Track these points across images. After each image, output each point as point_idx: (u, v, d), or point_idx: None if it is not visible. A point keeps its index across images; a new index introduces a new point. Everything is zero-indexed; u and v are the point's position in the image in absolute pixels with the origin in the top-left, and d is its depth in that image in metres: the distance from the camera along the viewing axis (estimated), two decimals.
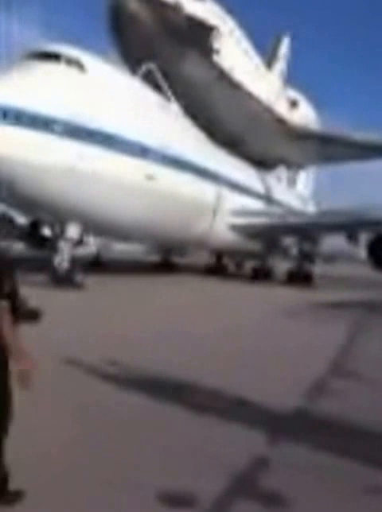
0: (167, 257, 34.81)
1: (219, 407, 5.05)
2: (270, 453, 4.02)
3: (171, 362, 6.73)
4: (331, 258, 43.48)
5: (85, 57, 18.27)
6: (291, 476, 3.56)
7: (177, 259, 37.18)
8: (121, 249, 48.64)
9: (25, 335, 3.02)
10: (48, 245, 21.16)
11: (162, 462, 3.69)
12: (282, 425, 4.71)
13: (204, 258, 36.76)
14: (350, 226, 26.35)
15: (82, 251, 19.03)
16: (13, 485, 2.97)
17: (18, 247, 38.84)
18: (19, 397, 3.01)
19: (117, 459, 3.72)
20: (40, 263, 19.34)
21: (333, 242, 30.74)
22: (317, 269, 28.33)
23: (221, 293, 19.72)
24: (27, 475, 3.21)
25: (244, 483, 3.46)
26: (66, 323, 9.36)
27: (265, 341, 9.18)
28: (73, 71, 17.44)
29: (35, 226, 23.06)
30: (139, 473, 3.50)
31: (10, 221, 25.36)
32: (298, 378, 6.29)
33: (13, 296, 2.83)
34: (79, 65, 17.69)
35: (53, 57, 17.28)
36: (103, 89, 18.22)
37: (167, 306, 13.85)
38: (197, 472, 3.54)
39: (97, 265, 27.82)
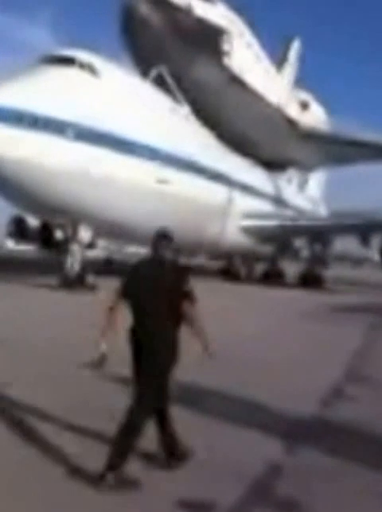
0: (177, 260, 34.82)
1: (234, 411, 5.04)
2: (285, 459, 4.01)
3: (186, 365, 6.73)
4: (359, 262, 43.36)
5: (98, 61, 18.40)
6: (307, 483, 3.56)
7: (186, 261, 37.30)
8: (131, 251, 48.88)
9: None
10: (60, 247, 21.29)
11: (179, 468, 3.67)
12: (300, 431, 4.70)
13: (214, 261, 36.82)
14: (362, 229, 26.27)
15: (93, 254, 19.12)
16: None
17: (29, 249, 39.33)
18: None
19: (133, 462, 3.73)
20: (52, 265, 19.50)
21: (345, 245, 30.66)
22: (336, 271, 28.33)
23: (233, 296, 19.70)
24: None
25: (261, 490, 3.45)
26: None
27: (278, 345, 9.15)
28: (86, 76, 17.56)
29: (47, 228, 23.18)
30: (156, 479, 3.49)
31: (22, 223, 25.53)
32: (313, 383, 6.27)
33: (189, 294, 3.55)
34: (92, 69, 17.81)
35: (67, 61, 17.41)
36: (115, 93, 18.33)
37: None
38: (214, 479, 3.53)
39: (108, 267, 27.94)
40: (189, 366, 6.60)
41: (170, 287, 3.49)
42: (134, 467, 3.40)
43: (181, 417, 4.71)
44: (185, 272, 3.75)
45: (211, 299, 17.91)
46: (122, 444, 3.32)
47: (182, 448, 3.66)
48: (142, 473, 3.45)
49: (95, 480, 3.19)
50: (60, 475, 3.37)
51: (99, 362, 3.50)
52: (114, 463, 3.24)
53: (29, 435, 4.05)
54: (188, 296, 3.53)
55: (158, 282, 3.52)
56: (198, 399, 5.41)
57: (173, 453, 3.61)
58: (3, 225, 28.41)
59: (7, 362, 6.44)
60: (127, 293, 3.58)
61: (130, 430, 3.36)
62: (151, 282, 3.54)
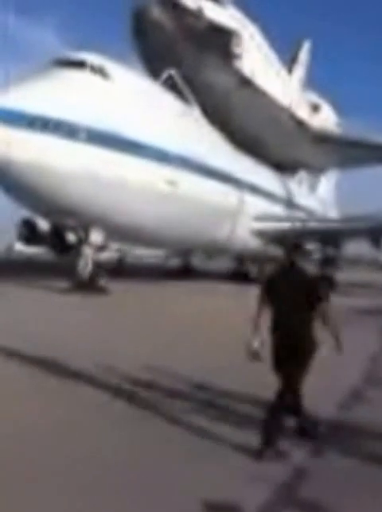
0: (187, 263, 34.85)
1: (254, 415, 4.99)
2: (309, 462, 3.97)
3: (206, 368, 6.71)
4: (371, 265, 42.86)
5: (109, 64, 18.45)
6: (332, 485, 3.53)
7: (197, 264, 37.25)
8: (140, 254, 48.90)
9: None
10: (71, 250, 21.36)
11: (202, 470, 3.65)
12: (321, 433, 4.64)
13: (224, 263, 36.75)
14: (374, 232, 26.08)
15: (104, 256, 19.13)
16: None
17: (39, 252, 39.54)
18: None
19: (155, 466, 3.70)
20: (63, 268, 19.55)
21: (357, 248, 30.48)
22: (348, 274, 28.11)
23: (245, 299, 19.56)
24: None
25: (285, 492, 3.42)
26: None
27: None
28: (97, 79, 17.61)
29: (58, 231, 23.24)
30: (178, 481, 3.47)
31: (33, 226, 25.64)
32: (331, 385, 6.20)
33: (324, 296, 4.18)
34: (103, 72, 17.87)
35: (78, 65, 17.48)
36: (126, 96, 18.37)
37: (196, 311, 13.81)
38: (239, 481, 3.51)
39: (119, 270, 27.99)
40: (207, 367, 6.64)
41: (308, 290, 4.13)
42: None
43: (200, 420, 4.74)
44: (317, 277, 4.68)
45: (223, 301, 18.01)
46: (274, 423, 4.00)
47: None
48: None
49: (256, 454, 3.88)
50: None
51: (254, 357, 4.15)
52: (270, 439, 3.92)
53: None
54: (323, 297, 4.15)
55: (298, 286, 4.16)
56: (210, 402, 5.37)
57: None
58: (13, 227, 28.63)
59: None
60: (269, 298, 4.23)
61: (280, 411, 4.06)
62: (292, 286, 4.17)
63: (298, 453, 4.03)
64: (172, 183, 19.39)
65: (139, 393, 5.48)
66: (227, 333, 10.15)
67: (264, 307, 4.25)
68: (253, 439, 4.02)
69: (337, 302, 17.64)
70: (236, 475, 3.62)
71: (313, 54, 44.27)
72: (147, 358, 7.16)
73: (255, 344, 4.16)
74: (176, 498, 3.23)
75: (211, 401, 5.36)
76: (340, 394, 5.83)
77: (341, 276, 28.29)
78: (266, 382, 4.45)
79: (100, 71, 17.82)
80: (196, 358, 7.39)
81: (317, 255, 28.60)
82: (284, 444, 4.02)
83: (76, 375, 6.03)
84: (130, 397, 5.30)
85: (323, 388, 6.05)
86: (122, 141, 17.21)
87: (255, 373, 5.16)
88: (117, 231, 18.51)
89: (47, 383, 5.77)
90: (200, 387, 5.84)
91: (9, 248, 53.58)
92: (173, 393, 5.56)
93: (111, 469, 3.60)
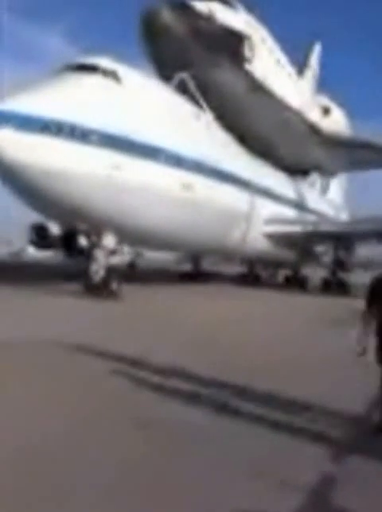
0: (198, 266, 34.83)
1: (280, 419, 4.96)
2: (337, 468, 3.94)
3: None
4: None
5: (121, 69, 18.46)
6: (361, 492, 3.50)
7: (208, 268, 37.20)
8: (150, 257, 48.88)
9: None
10: (83, 254, 21.38)
11: (231, 478, 3.62)
12: (348, 439, 4.61)
13: (235, 267, 36.70)
14: None
15: (116, 260, 19.17)
16: None
17: (51, 256, 39.71)
18: None
19: (183, 474, 3.67)
20: (75, 272, 19.59)
21: (371, 251, 30.29)
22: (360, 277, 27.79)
23: (258, 303, 19.54)
24: None
25: (315, 498, 3.39)
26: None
27: (314, 353, 9.00)
28: (110, 83, 17.63)
29: (70, 235, 23.28)
30: (209, 489, 3.44)
31: (44, 230, 25.76)
32: (354, 390, 6.16)
33: None
34: (115, 77, 17.89)
35: (90, 69, 17.51)
36: (138, 100, 18.37)
37: (208, 317, 13.78)
38: (268, 488, 3.48)
39: (131, 273, 28.00)
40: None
41: None
42: None
43: (226, 425, 4.71)
44: None
45: (236, 306, 17.94)
46: None
47: None
48: None
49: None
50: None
51: (362, 353, 4.68)
52: None
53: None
54: None
55: None
56: (245, 404, 5.37)
57: None
58: (25, 231, 28.80)
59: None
60: (374, 303, 4.75)
61: None
62: None
63: None
64: (186, 186, 19.38)
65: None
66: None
67: (371, 313, 4.76)
68: None
69: (353, 305, 17.47)
70: None
71: (324, 57, 44.21)
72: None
73: (364, 343, 4.66)
74: None
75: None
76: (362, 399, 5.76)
77: (352, 278, 28.09)
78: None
79: (113, 75, 17.84)
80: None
81: (328, 258, 28.49)
82: None
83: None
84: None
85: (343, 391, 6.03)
86: (136, 144, 17.21)
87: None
88: (130, 235, 18.50)
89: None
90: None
91: (21, 252, 53.91)
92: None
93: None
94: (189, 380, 6.24)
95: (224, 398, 5.53)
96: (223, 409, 5.18)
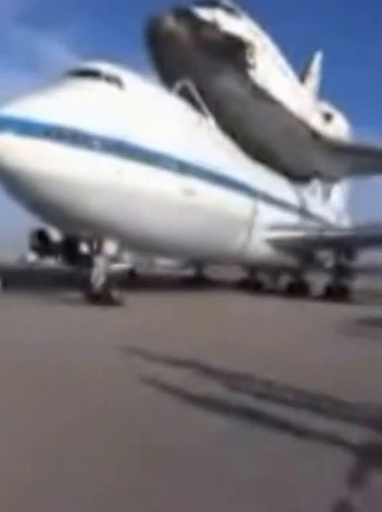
0: (200, 272, 34.73)
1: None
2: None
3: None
4: None
5: (124, 74, 18.39)
6: None
7: (210, 274, 37.11)
8: (159, 263, 48.91)
9: None
10: (84, 261, 21.27)
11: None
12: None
13: (236, 273, 36.58)
14: None
15: (117, 267, 19.09)
16: None
17: (52, 263, 39.60)
18: None
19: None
20: (75, 279, 19.47)
21: (374, 257, 30.24)
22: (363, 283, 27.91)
23: (261, 310, 19.43)
24: None
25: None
26: None
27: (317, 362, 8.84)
28: (113, 88, 17.54)
29: (70, 242, 23.19)
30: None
31: (45, 237, 25.66)
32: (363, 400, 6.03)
33: None
34: (118, 82, 17.80)
35: (93, 74, 17.43)
36: (141, 105, 18.29)
37: (212, 323, 13.65)
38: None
39: (131, 280, 27.91)
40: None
41: None
42: None
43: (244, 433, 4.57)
44: None
45: (240, 311, 17.81)
46: None
47: None
48: None
49: None
50: None
51: None
52: None
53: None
54: None
55: None
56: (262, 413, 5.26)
57: None
58: (26, 238, 28.68)
59: None
60: None
61: None
62: None
63: None
64: (189, 193, 19.28)
65: None
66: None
67: None
68: None
69: (357, 312, 17.41)
70: None
71: (325, 66, 44.23)
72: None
73: None
74: None
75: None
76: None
77: (356, 284, 28.00)
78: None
79: (116, 81, 17.75)
80: None
81: (330, 264, 28.40)
82: None
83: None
84: None
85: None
86: (138, 150, 17.10)
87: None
88: (132, 242, 18.38)
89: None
90: None
91: (22, 259, 53.82)
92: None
93: None
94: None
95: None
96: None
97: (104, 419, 4.93)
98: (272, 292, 29.13)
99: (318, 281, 28.32)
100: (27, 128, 14.50)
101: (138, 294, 20.12)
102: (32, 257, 46.27)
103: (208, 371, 7.05)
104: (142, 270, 37.12)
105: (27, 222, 21.91)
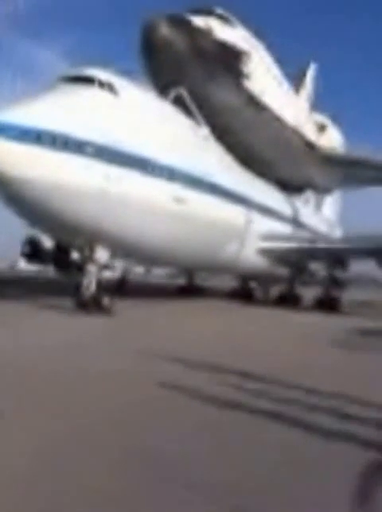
0: (191, 281, 34.57)
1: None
2: None
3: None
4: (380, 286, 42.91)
5: (117, 81, 18.26)
6: None
7: (201, 283, 36.90)
8: (141, 271, 48.83)
9: None
10: (74, 268, 21.06)
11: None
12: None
13: (228, 282, 36.44)
14: (380, 252, 25.77)
15: (108, 275, 18.83)
16: None
17: (43, 270, 39.31)
18: None
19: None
20: (67, 286, 19.23)
21: (366, 269, 30.24)
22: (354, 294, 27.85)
23: (254, 320, 19.26)
24: None
25: None
26: None
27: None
28: (106, 95, 17.40)
29: (62, 249, 22.96)
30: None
31: (37, 244, 25.39)
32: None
33: None
34: (111, 89, 17.67)
35: (86, 81, 17.29)
36: (134, 112, 18.19)
37: (202, 332, 13.45)
38: None
39: (122, 288, 27.67)
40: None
41: None
42: None
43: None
44: None
45: (233, 321, 17.62)
46: None
47: None
48: None
49: None
50: None
51: None
52: None
53: None
54: None
55: None
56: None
57: None
58: (17, 245, 28.40)
59: None
60: None
61: None
62: None
63: None
64: (180, 200, 19.14)
65: None
66: None
67: None
68: None
69: (347, 324, 17.30)
70: None
71: (319, 77, 44.52)
72: None
73: None
74: None
75: None
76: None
77: (346, 296, 27.95)
78: None
79: (109, 87, 17.61)
80: None
81: (322, 275, 28.36)
82: None
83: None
84: None
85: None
86: (130, 157, 16.95)
87: None
88: (123, 249, 18.18)
89: None
90: None
91: (13, 265, 53.49)
92: None
93: None
94: None
95: None
96: None
97: None
98: (264, 302, 28.96)
99: (307, 292, 28.22)
100: (19, 133, 14.30)
101: (126, 303, 19.90)
102: (22, 264, 46.00)
103: None
104: (141, 278, 37.12)
105: (20, 228, 21.63)
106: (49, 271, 32.10)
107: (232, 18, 25.40)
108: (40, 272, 42.67)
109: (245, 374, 7.77)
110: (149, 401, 6.01)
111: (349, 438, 4.99)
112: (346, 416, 5.73)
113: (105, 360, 8.53)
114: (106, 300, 16.44)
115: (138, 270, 49.80)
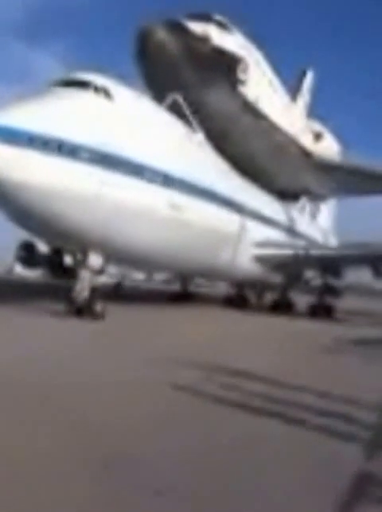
0: (186, 288, 34.48)
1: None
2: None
3: None
4: (374, 294, 42.98)
5: (113, 85, 18.16)
6: None
7: (195, 289, 36.85)
8: (136, 278, 48.76)
9: None
10: (69, 273, 20.92)
11: None
12: None
13: (222, 289, 36.37)
14: (375, 260, 25.81)
15: (102, 280, 18.67)
16: None
17: (38, 275, 39.14)
18: None
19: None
20: (61, 291, 19.08)
21: (360, 276, 30.30)
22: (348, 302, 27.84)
23: (248, 327, 19.14)
24: None
25: None
26: None
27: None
28: (101, 99, 17.28)
29: (57, 254, 22.85)
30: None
31: (32, 249, 25.26)
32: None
33: None
34: (106, 93, 17.56)
35: (81, 85, 17.17)
36: (129, 117, 18.08)
37: (196, 338, 13.32)
38: None
39: (117, 294, 27.56)
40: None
41: None
42: None
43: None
44: None
45: (228, 328, 17.48)
46: None
47: None
48: None
49: None
50: None
51: None
52: None
53: None
54: None
55: None
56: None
57: None
58: (12, 249, 28.22)
59: None
60: None
61: None
62: None
63: None
64: (175, 207, 19.04)
65: None
66: None
67: None
68: None
69: (339, 332, 17.25)
70: None
71: (316, 85, 44.60)
72: None
73: None
74: None
75: None
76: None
77: (341, 304, 27.93)
78: None
79: (104, 92, 17.49)
80: None
81: (316, 283, 28.36)
82: None
83: None
84: None
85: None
86: (125, 162, 16.81)
87: None
88: (117, 255, 18.05)
89: None
90: None
91: (9, 270, 53.27)
92: None
93: None
94: None
95: None
96: None
97: None
98: (257, 309, 28.87)
99: (300, 299, 28.20)
100: (10, 136, 14.11)
101: (123, 309, 19.77)
102: (19, 268, 45.81)
103: None
104: (139, 284, 36.95)
105: (17, 233, 21.45)
106: (45, 276, 31.97)
107: (231, 24, 25.36)
108: (37, 276, 42.43)
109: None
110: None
111: None
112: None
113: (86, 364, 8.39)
114: (98, 306, 16.31)
115: (139, 276, 49.80)
